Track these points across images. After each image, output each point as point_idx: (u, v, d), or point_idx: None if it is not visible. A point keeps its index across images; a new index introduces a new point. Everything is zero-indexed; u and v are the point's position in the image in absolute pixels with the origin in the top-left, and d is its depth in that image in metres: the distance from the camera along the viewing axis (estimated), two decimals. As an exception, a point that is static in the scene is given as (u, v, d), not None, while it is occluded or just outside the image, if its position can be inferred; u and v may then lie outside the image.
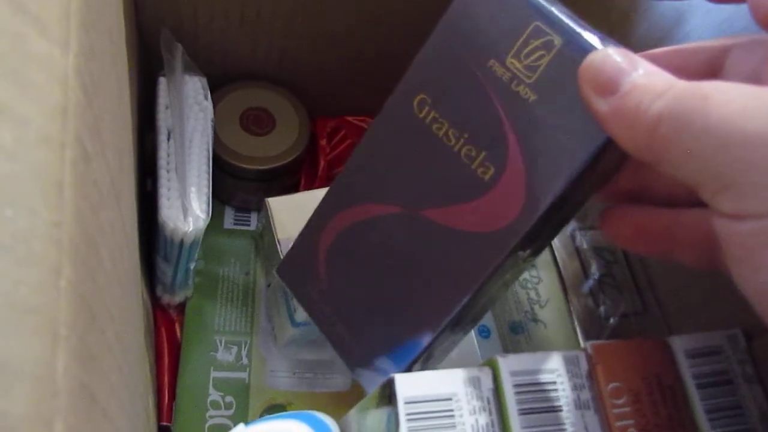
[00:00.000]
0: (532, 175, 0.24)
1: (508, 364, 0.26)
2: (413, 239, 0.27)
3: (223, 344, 0.45)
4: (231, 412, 0.43)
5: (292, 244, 0.38)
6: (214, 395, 0.43)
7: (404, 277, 0.28)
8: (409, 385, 0.25)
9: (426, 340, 0.28)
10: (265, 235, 0.44)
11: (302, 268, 0.33)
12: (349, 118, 0.53)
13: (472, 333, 0.36)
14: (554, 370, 0.26)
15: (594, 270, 0.35)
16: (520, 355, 0.26)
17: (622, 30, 0.37)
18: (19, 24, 0.14)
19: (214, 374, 0.44)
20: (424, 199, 0.27)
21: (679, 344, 0.28)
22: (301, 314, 0.38)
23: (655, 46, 0.34)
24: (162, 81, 0.41)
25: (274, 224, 0.41)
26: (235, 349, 0.45)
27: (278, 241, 0.40)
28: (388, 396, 0.25)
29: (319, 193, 0.43)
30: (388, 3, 0.45)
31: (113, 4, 0.25)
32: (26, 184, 0.13)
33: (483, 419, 0.25)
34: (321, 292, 0.31)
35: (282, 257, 0.40)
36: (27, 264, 0.13)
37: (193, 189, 0.38)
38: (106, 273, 0.19)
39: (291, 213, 0.41)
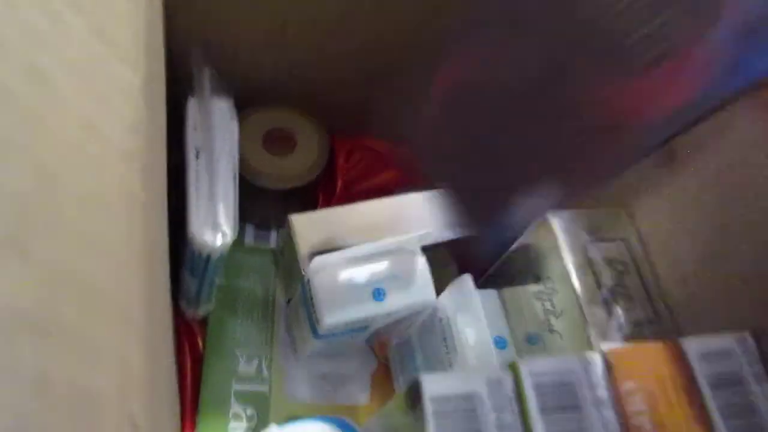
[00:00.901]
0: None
1: (528, 366, 0.27)
2: None
3: (244, 357, 0.46)
4: (252, 424, 0.44)
5: (314, 259, 0.39)
6: (235, 407, 0.44)
7: None
8: (434, 384, 0.26)
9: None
10: (285, 251, 0.45)
11: None
12: (366, 141, 0.55)
13: (491, 344, 0.38)
14: (572, 371, 0.28)
15: (606, 280, 0.36)
16: (539, 358, 0.28)
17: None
18: (100, 46, 0.16)
19: (235, 387, 0.45)
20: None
21: (691, 346, 0.29)
22: (323, 326, 0.40)
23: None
24: (191, 102, 0.43)
25: (296, 240, 0.42)
26: (255, 361, 0.46)
27: (300, 256, 0.42)
28: (412, 396, 0.26)
29: (340, 211, 0.44)
30: (406, 27, 0.47)
31: (159, 28, 0.27)
32: (108, 192, 0.15)
33: (506, 417, 0.26)
34: None
35: (304, 273, 0.42)
36: (109, 258, 0.15)
37: (221, 205, 0.40)
38: (161, 302, 0.21)
39: (313, 229, 0.42)
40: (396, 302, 0.41)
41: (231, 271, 0.49)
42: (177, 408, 0.42)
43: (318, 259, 0.40)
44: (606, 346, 0.28)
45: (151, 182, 0.20)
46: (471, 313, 0.40)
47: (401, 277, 0.41)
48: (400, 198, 0.46)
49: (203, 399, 0.44)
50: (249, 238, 0.51)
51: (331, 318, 0.39)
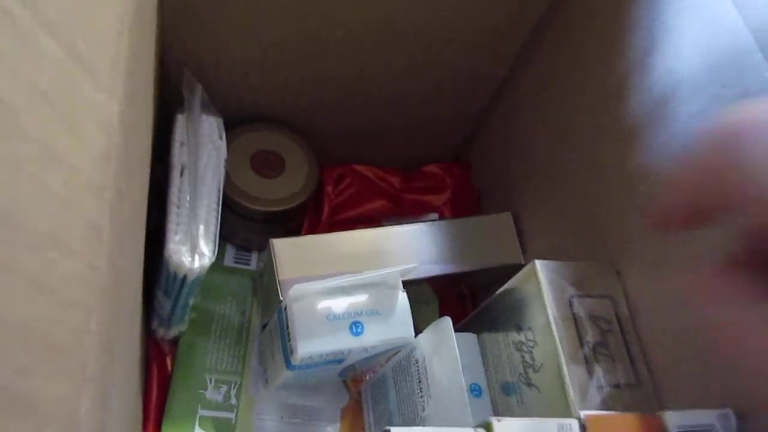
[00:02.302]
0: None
1: (503, 427, 0.26)
2: None
3: (212, 383, 0.45)
4: (215, 452, 0.43)
5: (293, 286, 0.38)
6: (199, 434, 0.43)
7: None
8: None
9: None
10: (265, 276, 0.44)
11: None
12: (356, 166, 0.54)
13: (465, 393, 0.36)
14: (548, 438, 0.27)
15: (589, 338, 0.35)
16: (515, 419, 0.27)
17: (619, 95, 0.38)
18: (74, 71, 0.15)
19: (201, 413, 0.44)
20: None
21: (672, 421, 0.28)
22: (297, 356, 0.38)
23: (651, 114, 0.36)
24: (179, 118, 0.42)
25: (276, 265, 0.41)
26: (224, 388, 0.45)
27: (279, 282, 0.41)
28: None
29: (322, 239, 0.43)
30: (400, 55, 0.46)
31: (150, 49, 0.26)
32: (72, 228, 0.14)
33: (476, 482, 0.25)
34: None
35: (281, 299, 0.40)
36: (67, 307, 0.13)
37: (201, 226, 0.38)
38: (124, 312, 0.20)
39: (294, 255, 0.41)
40: (374, 337, 0.39)
41: (207, 292, 0.48)
42: (139, 427, 0.41)
43: (297, 287, 0.38)
44: (585, 413, 0.27)
45: (124, 209, 0.19)
46: (448, 358, 0.39)
47: (381, 313, 0.40)
48: (385, 229, 0.45)
49: (166, 422, 0.43)
50: (229, 259, 0.50)
51: (306, 348, 0.38)
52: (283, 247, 0.42)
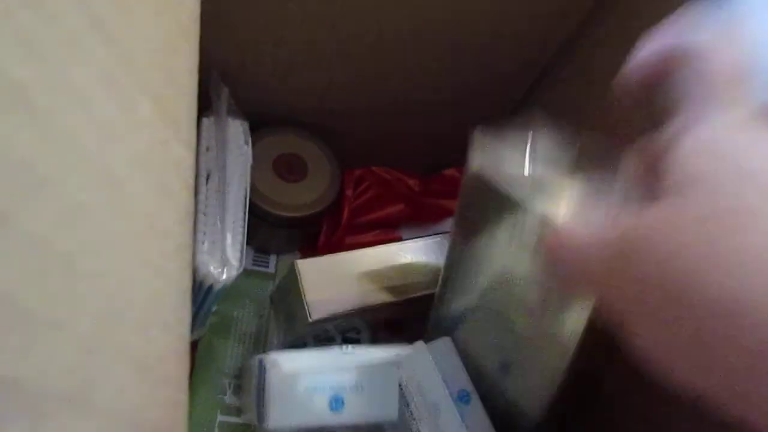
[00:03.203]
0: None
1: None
2: None
3: (231, 388, 0.45)
4: (234, 458, 0.43)
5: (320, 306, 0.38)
6: (219, 439, 0.43)
7: None
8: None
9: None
10: (290, 295, 0.43)
11: None
12: (375, 169, 0.54)
13: (455, 410, 0.37)
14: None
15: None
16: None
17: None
18: (163, 129, 0.15)
19: (220, 418, 0.43)
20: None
21: None
22: (267, 427, 0.36)
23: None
24: (205, 122, 0.41)
25: (303, 287, 0.40)
26: (243, 394, 0.45)
27: (307, 304, 0.40)
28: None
29: (344, 257, 0.43)
30: (426, 61, 0.45)
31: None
32: (168, 300, 0.13)
33: None
34: None
35: (310, 320, 0.40)
36: (161, 384, 0.13)
37: (229, 236, 0.38)
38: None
39: (319, 275, 0.41)
40: (354, 415, 0.36)
41: (226, 296, 0.47)
42: None
43: (277, 355, 0.36)
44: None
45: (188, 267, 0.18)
46: (430, 380, 0.39)
47: (365, 389, 0.37)
48: (406, 244, 0.45)
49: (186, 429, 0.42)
50: (247, 262, 0.50)
51: (277, 422, 0.35)
52: (307, 267, 0.41)
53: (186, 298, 0.14)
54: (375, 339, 0.50)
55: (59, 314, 0.10)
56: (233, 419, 0.44)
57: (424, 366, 0.39)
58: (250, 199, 0.45)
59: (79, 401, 0.10)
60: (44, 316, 0.10)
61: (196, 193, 0.39)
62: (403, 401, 0.40)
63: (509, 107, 0.52)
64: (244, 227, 0.39)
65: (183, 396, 0.14)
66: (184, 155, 0.16)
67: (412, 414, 0.39)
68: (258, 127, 0.47)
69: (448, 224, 0.55)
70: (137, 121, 0.13)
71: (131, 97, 0.13)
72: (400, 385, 0.40)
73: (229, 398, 0.44)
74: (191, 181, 0.16)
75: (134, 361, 0.12)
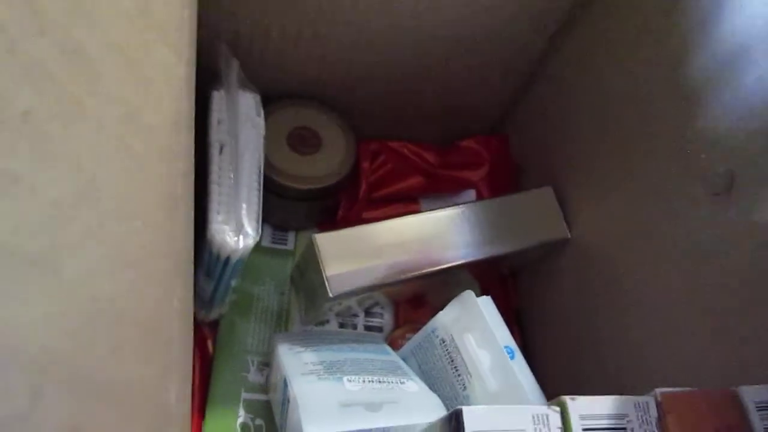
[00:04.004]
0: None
1: (577, 407, 0.25)
2: None
3: (255, 365, 0.44)
4: (260, 435, 0.42)
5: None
6: (243, 417, 0.42)
7: None
8: (476, 418, 0.24)
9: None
10: (308, 270, 0.42)
11: None
12: (391, 143, 0.53)
13: (509, 362, 0.35)
14: (624, 416, 0.25)
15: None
16: (589, 397, 0.25)
17: (679, 58, 0.37)
18: (148, 28, 0.14)
19: (244, 396, 0.43)
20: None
21: (749, 395, 0.27)
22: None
23: (714, 78, 0.34)
24: (215, 95, 0.40)
25: (321, 261, 0.40)
26: (267, 371, 0.44)
27: (326, 278, 0.39)
28: (453, 429, 0.24)
29: (363, 230, 0.42)
30: (441, 33, 0.45)
31: (195, 17, 0.25)
32: (152, 195, 0.13)
33: (554, 463, 0.24)
34: None
35: (330, 295, 0.39)
36: (150, 282, 0.12)
37: (244, 205, 0.37)
38: (191, 290, 0.19)
39: (337, 249, 0.40)
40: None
41: (246, 273, 0.47)
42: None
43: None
44: (660, 391, 0.26)
45: (190, 182, 0.17)
46: (479, 331, 0.38)
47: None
48: (425, 215, 0.44)
49: (210, 407, 0.42)
50: (266, 239, 0.49)
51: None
52: (325, 241, 0.40)
53: (178, 207, 0.14)
54: (397, 314, 0.50)
55: (23, 169, 0.10)
56: (257, 396, 0.43)
57: (475, 318, 0.38)
58: (265, 175, 0.44)
59: (46, 266, 0.10)
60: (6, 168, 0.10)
61: (210, 163, 0.39)
62: (447, 358, 0.39)
63: (525, 75, 0.51)
64: (259, 197, 0.39)
65: (176, 303, 0.13)
66: (172, 61, 0.15)
67: (457, 370, 0.38)
68: (270, 101, 0.46)
69: (467, 195, 0.54)
70: (112, 7, 0.12)
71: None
72: (442, 340, 0.39)
73: (253, 376, 0.44)
74: (184, 95, 0.16)
75: (111, 245, 0.11)
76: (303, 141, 0.46)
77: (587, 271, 0.44)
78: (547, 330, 0.49)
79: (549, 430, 0.24)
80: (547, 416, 0.25)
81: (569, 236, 0.46)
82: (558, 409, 0.25)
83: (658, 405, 0.26)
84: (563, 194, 0.47)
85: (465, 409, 0.24)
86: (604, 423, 0.25)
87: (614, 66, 0.42)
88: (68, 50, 0.11)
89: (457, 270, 0.45)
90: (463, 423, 0.24)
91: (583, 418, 0.25)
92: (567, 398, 0.25)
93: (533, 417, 0.24)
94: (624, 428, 0.25)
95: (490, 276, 0.52)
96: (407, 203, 0.53)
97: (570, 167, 0.47)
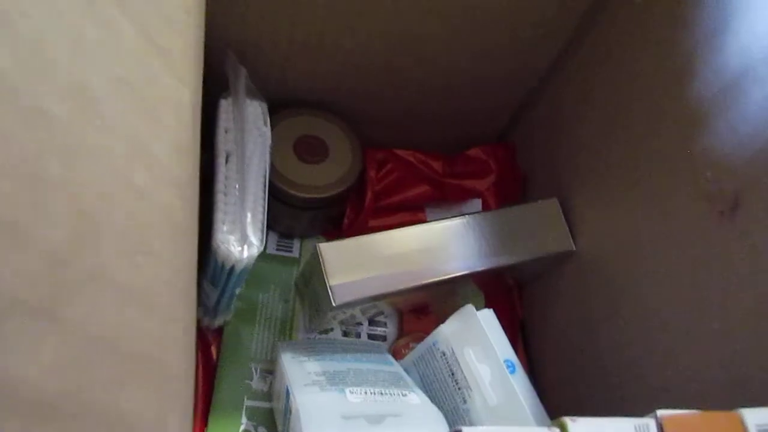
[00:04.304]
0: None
1: (577, 428, 0.25)
2: None
3: (258, 372, 0.44)
4: (262, 443, 0.42)
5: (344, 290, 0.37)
6: (246, 425, 0.42)
7: None
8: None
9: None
10: (312, 279, 0.43)
11: None
12: (398, 152, 0.53)
13: (509, 378, 0.35)
14: (625, 438, 0.25)
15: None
16: (589, 419, 0.25)
17: (684, 75, 0.37)
18: (150, 56, 0.14)
19: (247, 403, 0.43)
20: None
21: (752, 418, 0.27)
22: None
23: (719, 95, 0.34)
24: (223, 103, 0.41)
25: (325, 271, 0.40)
26: (270, 378, 0.44)
27: (330, 288, 0.39)
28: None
29: (367, 239, 0.42)
30: (447, 42, 0.45)
31: (202, 32, 0.25)
32: (156, 228, 0.13)
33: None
34: None
35: (334, 304, 0.39)
36: (153, 315, 0.12)
37: (249, 215, 0.37)
38: (194, 316, 0.19)
39: (342, 259, 0.40)
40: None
41: (250, 281, 0.47)
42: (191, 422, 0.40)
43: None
44: (661, 412, 0.26)
45: (195, 205, 0.18)
46: (479, 345, 0.38)
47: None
48: (430, 225, 0.44)
49: (213, 414, 0.42)
50: (271, 247, 0.49)
51: None
52: (329, 251, 0.40)
53: (183, 236, 0.14)
54: (401, 324, 0.50)
55: (23, 219, 0.10)
56: (260, 403, 0.43)
57: (475, 332, 0.38)
58: (271, 182, 0.44)
59: (45, 313, 0.10)
60: (6, 219, 0.10)
61: (216, 173, 0.39)
62: (447, 371, 0.39)
63: (533, 85, 0.51)
64: (264, 207, 0.39)
65: (180, 334, 0.13)
66: (178, 90, 0.15)
67: (458, 383, 0.38)
68: (278, 110, 0.47)
69: (474, 204, 0.54)
70: (116, 41, 0.13)
71: (109, 14, 0.12)
72: (443, 353, 0.39)
73: (256, 383, 0.44)
74: (190, 121, 0.16)
75: (112, 284, 0.11)
76: (310, 149, 0.46)
77: (591, 284, 0.44)
78: (550, 342, 0.49)
79: (549, 450, 0.24)
80: (547, 437, 0.25)
81: (574, 249, 0.45)
82: (558, 430, 0.25)
83: (659, 427, 0.26)
84: (569, 206, 0.47)
85: (465, 430, 0.24)
86: (604, 444, 0.25)
87: (620, 79, 0.42)
88: (71, 90, 0.11)
89: (462, 281, 0.45)
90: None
91: (583, 439, 0.25)
92: (567, 419, 0.25)
93: (533, 438, 0.25)
94: (624, 450, 0.25)
95: (495, 287, 0.52)
96: (413, 212, 0.53)
97: (576, 179, 0.47)
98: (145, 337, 0.12)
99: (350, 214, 0.50)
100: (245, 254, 0.36)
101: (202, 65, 0.22)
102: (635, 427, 0.26)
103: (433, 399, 0.39)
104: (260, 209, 0.39)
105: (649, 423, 0.26)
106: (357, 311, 0.45)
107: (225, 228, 0.37)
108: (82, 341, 0.10)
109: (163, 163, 0.13)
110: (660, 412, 0.26)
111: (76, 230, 0.11)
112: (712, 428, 0.26)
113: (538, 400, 0.38)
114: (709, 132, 0.35)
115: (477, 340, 0.38)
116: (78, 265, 0.11)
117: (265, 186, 0.39)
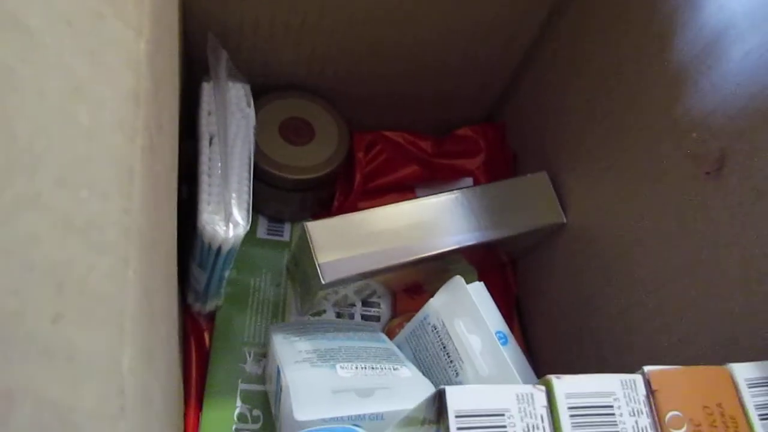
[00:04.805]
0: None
1: (563, 386, 0.25)
2: None
3: (252, 356, 0.44)
4: (258, 426, 0.42)
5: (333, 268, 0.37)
6: (241, 408, 0.42)
7: None
8: (459, 398, 0.24)
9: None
10: (302, 260, 0.42)
11: None
12: (386, 133, 0.53)
13: (500, 348, 0.35)
14: (611, 394, 0.25)
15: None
16: (575, 376, 0.25)
17: (666, 37, 0.36)
18: (98, 3, 0.14)
19: (241, 386, 0.43)
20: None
21: (740, 372, 0.27)
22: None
23: (701, 55, 0.34)
24: (205, 86, 0.40)
25: (313, 249, 0.40)
26: (264, 362, 0.44)
27: (319, 266, 0.39)
28: (437, 409, 0.24)
29: (356, 217, 0.42)
30: (433, 21, 0.44)
31: (172, 3, 0.25)
32: (101, 166, 0.13)
33: (538, 440, 0.23)
34: None
35: (323, 282, 0.39)
36: (99, 250, 0.12)
37: (234, 196, 0.37)
38: (161, 271, 0.19)
39: (330, 237, 0.40)
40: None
41: (242, 265, 0.47)
42: (181, 407, 0.40)
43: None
44: (648, 368, 0.26)
45: (157, 164, 0.17)
46: (469, 316, 0.38)
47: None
48: (419, 201, 0.43)
49: (208, 398, 0.42)
50: (262, 231, 0.49)
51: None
52: (317, 229, 0.40)
53: (133, 180, 0.14)
54: (395, 304, 0.49)
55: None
56: (255, 387, 0.43)
57: (465, 303, 0.38)
58: (258, 165, 0.44)
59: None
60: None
61: (199, 155, 0.39)
62: (439, 345, 0.39)
63: (518, 57, 0.51)
64: (250, 187, 0.39)
65: (131, 274, 0.13)
66: (127, 37, 0.15)
67: (449, 356, 0.38)
68: (262, 92, 0.46)
69: (464, 184, 0.54)
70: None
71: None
72: (434, 327, 0.39)
73: (250, 367, 0.44)
74: (145, 72, 0.16)
75: (51, 213, 0.11)
76: (295, 131, 0.46)
77: (583, 256, 0.44)
78: (545, 316, 0.49)
79: (534, 409, 0.24)
80: (532, 395, 0.24)
81: (565, 221, 0.45)
82: (543, 388, 0.25)
83: (646, 382, 0.26)
84: (559, 180, 0.47)
85: (448, 389, 0.24)
86: (590, 401, 0.25)
87: (604, 47, 0.42)
88: (5, 22, 0.11)
89: (454, 257, 0.44)
90: (446, 403, 0.23)
91: (569, 396, 0.25)
92: (553, 377, 0.25)
93: (517, 396, 0.24)
94: (611, 406, 0.25)
95: (488, 264, 0.51)
96: (404, 193, 0.53)
97: (564, 152, 0.46)
98: (90, 271, 0.12)
99: (340, 196, 0.50)
100: (231, 233, 0.36)
101: (173, 32, 0.22)
102: (622, 383, 0.25)
103: (427, 374, 0.39)
104: (245, 189, 0.38)
105: (636, 379, 0.26)
106: (350, 292, 0.45)
107: (210, 208, 0.37)
108: (18, 267, 0.10)
109: (112, 107, 0.13)
110: (647, 368, 0.26)
111: (7, 155, 0.11)
112: (700, 383, 0.26)
113: (531, 371, 0.38)
114: (693, 92, 0.35)
115: (466, 311, 0.38)
116: (10, 189, 0.11)
117: (249, 166, 0.39)
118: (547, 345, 0.48)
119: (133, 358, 0.12)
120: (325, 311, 0.48)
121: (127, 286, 0.13)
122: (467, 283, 0.40)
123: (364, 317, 0.48)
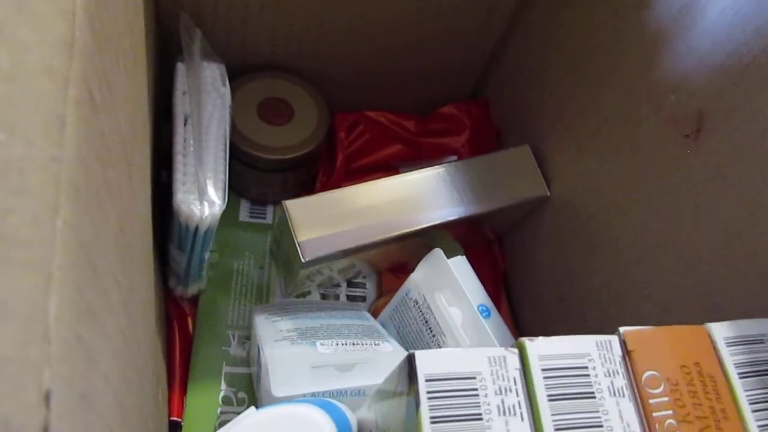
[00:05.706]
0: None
1: (536, 347, 0.24)
2: None
3: (236, 339, 0.44)
4: (243, 408, 0.42)
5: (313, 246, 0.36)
6: (225, 391, 0.42)
7: None
8: (429, 362, 0.23)
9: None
10: (282, 240, 0.42)
11: None
12: (369, 113, 0.52)
13: (480, 320, 0.35)
14: (586, 355, 0.25)
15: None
16: (550, 338, 0.25)
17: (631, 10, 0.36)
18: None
19: (226, 369, 0.43)
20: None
21: (719, 331, 0.26)
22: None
23: (677, 16, 0.33)
24: (180, 66, 0.40)
25: (293, 227, 0.39)
26: (248, 344, 0.44)
27: (298, 245, 0.39)
28: (407, 374, 0.24)
29: (336, 194, 0.41)
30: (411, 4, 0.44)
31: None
32: (24, 110, 0.12)
33: (509, 400, 0.23)
34: None
35: (303, 260, 0.39)
36: (20, 194, 0.12)
37: (209, 175, 0.37)
38: (113, 234, 0.18)
39: (310, 214, 0.39)
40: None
41: (225, 249, 0.47)
42: (165, 389, 0.40)
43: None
44: (624, 329, 0.25)
45: (104, 125, 0.17)
46: (449, 289, 0.37)
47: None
48: (401, 177, 0.43)
49: (192, 381, 0.42)
50: (244, 214, 0.49)
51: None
52: (296, 207, 0.40)
53: (64, 130, 0.13)
54: (380, 284, 0.49)
55: None
56: (239, 369, 0.43)
57: (444, 276, 0.37)
58: (237, 146, 0.44)
59: None
60: None
61: (174, 135, 0.38)
62: (421, 320, 0.38)
63: (498, 29, 0.50)
64: (225, 167, 0.38)
65: (60, 223, 0.13)
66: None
67: (431, 330, 0.38)
68: (240, 73, 0.46)
69: (448, 160, 0.53)
70: None
71: None
72: (415, 302, 0.38)
73: (234, 350, 0.44)
74: (81, 22, 0.15)
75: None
76: (274, 111, 0.45)
77: (567, 228, 0.43)
78: (531, 291, 0.48)
79: (507, 371, 0.24)
80: (504, 358, 0.24)
81: (548, 194, 0.45)
82: (516, 350, 0.24)
83: (622, 343, 0.25)
84: (541, 153, 0.46)
85: (418, 353, 0.23)
86: (564, 363, 0.24)
87: (581, 15, 0.41)
88: None
89: (440, 235, 0.44)
90: (416, 367, 0.23)
91: (542, 358, 0.24)
92: (526, 339, 0.24)
93: (489, 359, 0.24)
94: (585, 367, 0.24)
95: (475, 241, 0.51)
96: (387, 172, 0.52)
97: (547, 124, 0.46)
98: (9, 215, 0.11)
99: (322, 177, 0.50)
100: (206, 212, 0.36)
101: (137, 7, 0.21)
102: (597, 344, 0.25)
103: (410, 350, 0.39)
104: (221, 169, 0.38)
105: (611, 339, 0.25)
106: (335, 273, 0.45)
107: (185, 188, 0.36)
108: None
109: (33, 52, 0.13)
110: (623, 329, 0.25)
111: None
112: (677, 343, 0.26)
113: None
114: (670, 55, 0.34)
115: (446, 283, 0.38)
116: None
117: (225, 146, 0.39)
118: (535, 319, 0.48)
119: (61, 307, 0.12)
120: (309, 293, 0.47)
121: (56, 235, 0.12)
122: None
123: (349, 298, 0.48)
